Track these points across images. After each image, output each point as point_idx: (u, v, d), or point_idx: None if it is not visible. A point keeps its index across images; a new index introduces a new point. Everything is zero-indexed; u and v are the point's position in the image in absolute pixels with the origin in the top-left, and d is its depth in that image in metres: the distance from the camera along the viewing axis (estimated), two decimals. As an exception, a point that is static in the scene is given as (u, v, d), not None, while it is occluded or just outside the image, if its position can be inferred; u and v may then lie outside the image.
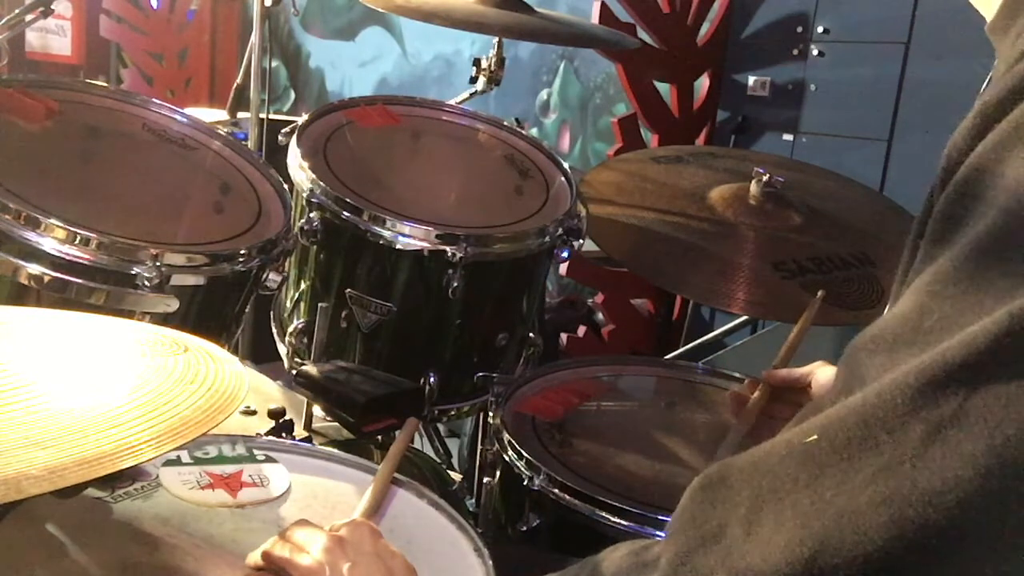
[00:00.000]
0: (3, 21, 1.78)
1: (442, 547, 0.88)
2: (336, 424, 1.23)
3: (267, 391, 1.37)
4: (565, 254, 1.51)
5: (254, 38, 2.18)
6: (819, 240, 1.65)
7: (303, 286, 1.55)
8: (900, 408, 0.49)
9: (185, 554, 0.80)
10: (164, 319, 1.16)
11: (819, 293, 1.41)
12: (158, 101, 1.48)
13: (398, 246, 1.40)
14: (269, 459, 0.97)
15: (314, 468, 0.99)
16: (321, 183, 1.42)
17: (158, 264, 1.15)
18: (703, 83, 3.01)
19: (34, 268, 1.12)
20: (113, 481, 0.87)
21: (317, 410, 1.24)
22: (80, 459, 0.56)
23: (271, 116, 2.22)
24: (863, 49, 2.63)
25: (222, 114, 2.77)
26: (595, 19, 2.64)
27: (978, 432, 0.46)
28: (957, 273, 0.51)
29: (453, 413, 1.60)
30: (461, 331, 1.50)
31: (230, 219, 1.34)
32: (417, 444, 1.70)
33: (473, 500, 1.39)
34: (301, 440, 1.12)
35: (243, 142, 1.62)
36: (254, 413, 1.25)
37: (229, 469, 0.94)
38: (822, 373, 1.16)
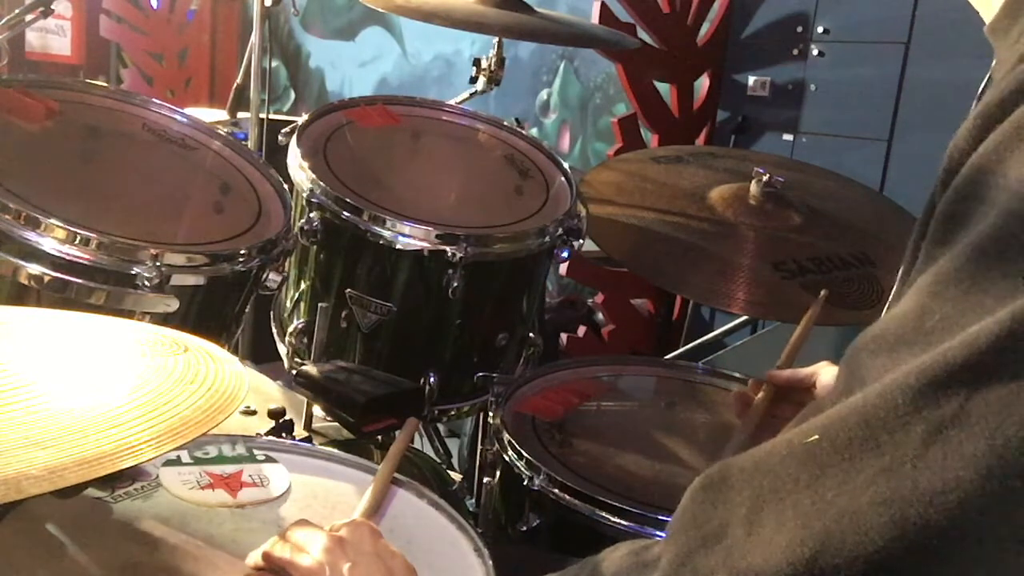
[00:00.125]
0: (3, 21, 1.78)
1: (442, 547, 0.88)
2: (336, 424, 1.23)
3: (267, 391, 1.37)
4: (565, 254, 1.51)
5: (254, 38, 2.18)
6: (819, 240, 1.65)
7: (303, 286, 1.55)
8: (901, 408, 0.49)
9: (185, 554, 0.80)
10: (164, 319, 1.16)
11: (822, 293, 1.41)
12: (158, 101, 1.48)
13: (398, 246, 1.40)
14: (269, 459, 0.97)
15: (314, 468, 0.99)
16: (321, 183, 1.42)
17: (158, 264, 1.15)
18: (703, 83, 3.01)
19: (34, 268, 1.12)
20: (113, 481, 0.87)
21: (317, 410, 1.23)
22: (80, 459, 0.56)
23: (271, 116, 2.22)
24: (863, 49, 2.63)
25: (222, 114, 2.76)
26: (595, 19, 2.64)
27: (979, 432, 0.46)
28: (958, 273, 0.51)
29: (453, 413, 1.60)
30: (461, 331, 1.50)
31: (230, 219, 1.34)
32: (417, 444, 1.70)
33: (473, 500, 1.39)
34: (301, 440, 1.12)
35: (243, 142, 1.62)
36: (254, 413, 1.25)
37: (229, 469, 0.94)
38: (826, 373, 1.16)
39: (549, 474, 1.15)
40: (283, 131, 1.55)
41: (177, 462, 0.93)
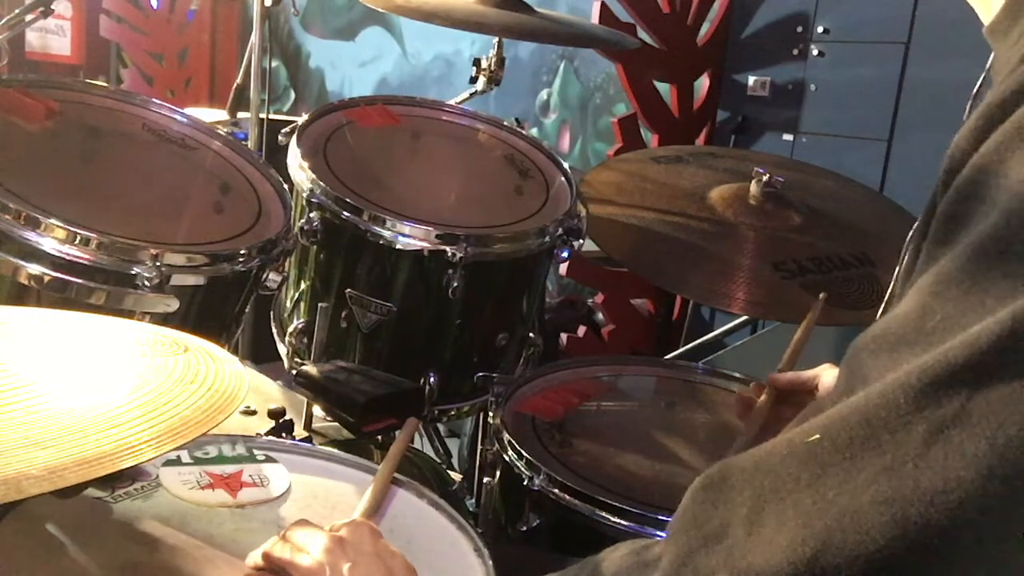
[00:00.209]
0: (3, 21, 1.78)
1: (442, 547, 0.88)
2: (336, 424, 1.23)
3: (267, 391, 1.37)
4: (565, 254, 1.51)
5: (254, 38, 2.18)
6: (819, 240, 1.65)
7: (303, 286, 1.55)
8: (903, 408, 0.49)
9: (185, 554, 0.80)
10: (164, 319, 1.16)
11: (821, 296, 1.41)
12: (158, 101, 1.48)
13: (398, 246, 1.40)
14: (269, 459, 0.97)
15: (314, 468, 0.99)
16: (321, 183, 1.41)
17: (158, 264, 1.15)
18: (703, 83, 3.01)
19: (34, 268, 1.12)
20: (113, 481, 0.87)
21: (317, 410, 1.23)
22: (80, 459, 0.56)
23: (271, 116, 2.21)
24: (863, 49, 2.63)
25: (222, 114, 2.76)
26: (595, 19, 2.64)
27: (980, 432, 0.46)
28: (959, 273, 0.51)
29: (453, 413, 1.60)
30: (461, 331, 1.50)
31: (230, 219, 1.34)
32: (417, 444, 1.70)
33: (473, 500, 1.39)
34: (301, 440, 1.12)
35: (243, 142, 1.62)
36: (254, 413, 1.25)
37: (229, 469, 0.94)
38: (828, 375, 1.15)
39: (549, 474, 1.15)
40: (283, 131, 1.55)
41: (177, 462, 0.93)
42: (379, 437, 1.27)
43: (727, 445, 1.33)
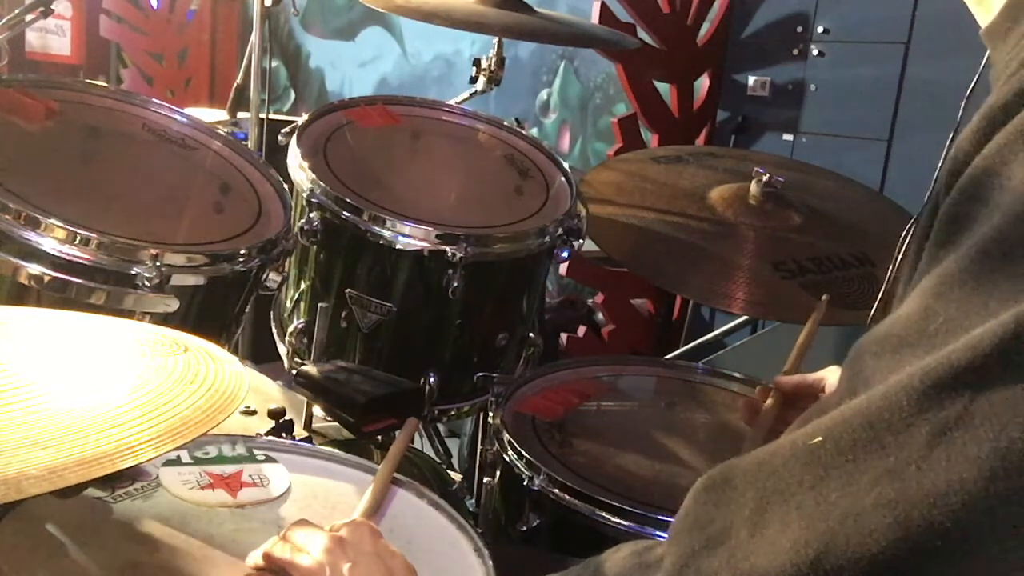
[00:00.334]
0: (3, 21, 1.78)
1: (442, 547, 0.88)
2: (336, 424, 1.23)
3: (267, 391, 1.37)
4: (565, 254, 1.51)
5: (254, 38, 2.18)
6: (819, 240, 1.65)
7: (303, 286, 1.55)
8: (905, 410, 0.49)
9: (185, 554, 0.80)
10: (164, 319, 1.15)
11: (824, 298, 1.41)
12: (158, 101, 1.48)
13: (398, 246, 1.40)
14: (269, 459, 0.97)
15: (314, 468, 0.99)
16: (321, 183, 1.41)
17: (158, 264, 1.15)
18: (703, 83, 3.01)
19: (34, 268, 1.12)
20: (113, 481, 0.87)
21: (317, 410, 1.23)
22: (80, 459, 0.56)
23: (271, 116, 2.21)
24: (863, 49, 2.63)
25: (222, 114, 2.76)
26: (595, 19, 2.64)
27: (983, 435, 0.46)
28: (962, 276, 0.51)
29: (453, 413, 1.60)
30: (461, 331, 1.50)
31: (230, 219, 1.34)
32: (417, 444, 1.70)
33: (473, 500, 1.39)
34: (301, 440, 1.12)
35: (243, 142, 1.62)
36: (254, 413, 1.25)
37: (229, 469, 0.94)
38: (834, 378, 1.14)
39: (549, 474, 1.15)
40: (283, 131, 1.55)
41: (177, 462, 0.93)
42: (379, 437, 1.27)
43: (727, 445, 1.33)
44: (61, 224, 1.11)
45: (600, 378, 1.52)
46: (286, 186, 1.43)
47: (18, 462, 0.55)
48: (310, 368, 1.24)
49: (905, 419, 0.49)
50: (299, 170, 1.45)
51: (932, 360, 0.49)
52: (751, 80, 2.87)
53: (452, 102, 1.79)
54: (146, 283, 1.14)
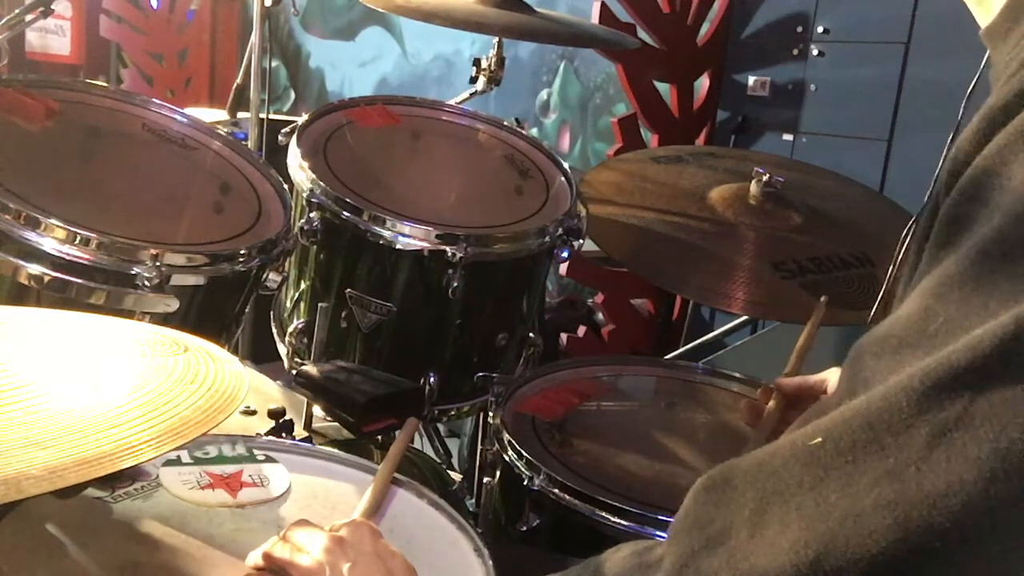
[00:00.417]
0: (3, 21, 1.78)
1: (442, 547, 0.88)
2: (336, 424, 1.23)
3: (267, 391, 1.37)
4: (565, 254, 1.51)
5: (254, 38, 2.18)
6: (819, 240, 1.65)
7: (303, 286, 1.55)
8: (905, 411, 0.49)
9: (185, 554, 0.80)
10: (164, 319, 1.15)
11: (823, 299, 1.40)
12: (158, 101, 1.48)
13: (398, 246, 1.40)
14: (269, 459, 0.97)
15: (314, 468, 0.99)
16: (321, 183, 1.41)
17: (158, 264, 1.15)
18: (703, 83, 3.01)
19: (34, 268, 1.12)
20: (113, 481, 0.87)
21: (317, 410, 1.23)
22: (80, 459, 0.56)
23: (271, 116, 2.21)
24: (863, 49, 2.63)
25: (222, 114, 2.76)
26: (595, 19, 2.64)
27: (983, 436, 0.46)
28: (962, 276, 0.51)
29: (453, 413, 1.60)
30: (461, 331, 1.50)
31: (230, 219, 1.34)
32: (417, 444, 1.70)
33: (473, 500, 1.39)
34: (301, 440, 1.12)
35: (243, 142, 1.62)
36: (254, 413, 1.25)
37: (229, 469, 0.94)
38: (836, 379, 1.15)
39: (549, 474, 1.15)
40: (283, 131, 1.55)
41: (177, 462, 0.93)
42: (379, 437, 1.27)
43: (727, 445, 1.33)
44: (61, 224, 1.11)
45: (600, 378, 1.52)
46: (286, 186, 1.43)
47: (18, 462, 0.55)
48: (310, 368, 1.24)
49: (905, 420, 0.49)
50: (299, 170, 1.45)
51: (932, 361, 0.49)
52: (751, 80, 2.87)
53: (452, 102, 1.79)
54: (146, 283, 1.14)
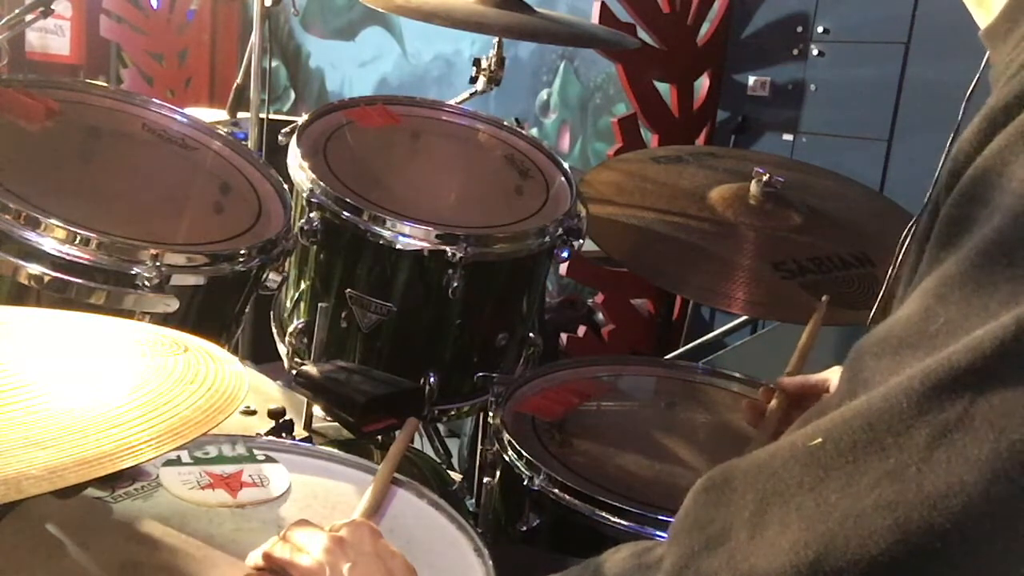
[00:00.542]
0: (3, 21, 1.78)
1: (442, 547, 0.88)
2: (336, 424, 1.23)
3: (267, 391, 1.37)
4: (565, 254, 1.51)
5: (254, 38, 2.18)
6: (819, 240, 1.65)
7: (303, 286, 1.55)
8: (906, 412, 0.49)
9: (185, 554, 0.80)
10: (164, 319, 1.15)
11: (824, 298, 1.40)
12: (158, 101, 1.48)
13: (398, 246, 1.40)
14: (269, 459, 0.97)
15: (314, 468, 0.99)
16: (321, 183, 1.41)
17: (158, 264, 1.15)
18: (703, 83, 3.01)
19: (34, 268, 1.12)
20: (113, 481, 0.87)
21: (317, 410, 1.23)
22: (80, 459, 0.56)
23: (271, 116, 2.21)
24: (863, 49, 2.63)
25: (222, 114, 2.76)
26: (595, 19, 2.64)
27: (984, 436, 0.46)
28: (963, 277, 0.51)
29: (453, 413, 1.60)
30: (461, 331, 1.50)
31: (230, 219, 1.34)
32: (417, 444, 1.70)
33: (473, 500, 1.39)
34: (301, 440, 1.12)
35: (243, 142, 1.62)
36: (254, 413, 1.25)
37: (229, 469, 0.94)
38: (838, 378, 1.14)
39: (549, 474, 1.15)
40: (283, 131, 1.55)
41: (177, 462, 0.93)
42: (379, 437, 1.27)
43: (727, 445, 1.33)
44: (61, 224, 1.11)
45: (600, 378, 1.52)
46: (286, 186, 1.43)
47: (18, 462, 0.55)
48: (310, 368, 1.24)
49: (905, 421, 0.49)
50: (299, 170, 1.45)
51: (932, 362, 0.49)
52: (751, 80, 2.87)
53: (452, 102, 1.79)
54: (146, 283, 1.14)
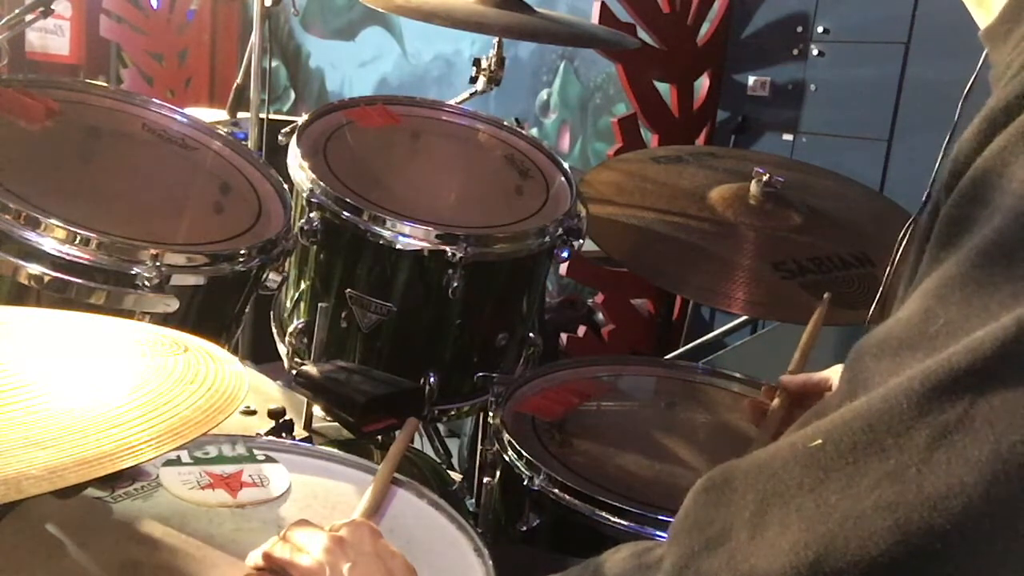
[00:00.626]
0: (3, 21, 1.78)
1: (442, 547, 0.88)
2: (336, 424, 1.23)
3: (267, 391, 1.37)
4: (565, 254, 1.51)
5: (254, 38, 2.18)
6: (819, 240, 1.65)
7: (303, 286, 1.55)
8: (906, 413, 0.49)
9: (185, 554, 0.80)
10: (164, 319, 1.15)
11: (826, 296, 1.40)
12: (158, 101, 1.48)
13: (398, 246, 1.40)
14: (269, 459, 0.97)
15: (314, 468, 0.99)
16: (321, 183, 1.41)
17: (158, 264, 1.15)
18: (703, 83, 3.01)
19: (34, 268, 1.12)
20: (113, 481, 0.87)
21: (317, 410, 1.23)
22: (80, 459, 0.56)
23: (271, 116, 2.21)
24: (863, 49, 2.63)
25: (222, 114, 2.76)
26: (595, 19, 2.64)
27: (984, 438, 0.46)
28: (963, 278, 0.51)
29: (453, 413, 1.60)
30: (461, 331, 1.50)
31: (230, 219, 1.34)
32: (417, 444, 1.70)
33: (473, 500, 1.39)
34: (301, 440, 1.12)
35: (243, 142, 1.62)
36: (254, 413, 1.25)
37: (229, 469, 0.94)
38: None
39: (549, 474, 1.15)
40: (283, 131, 1.55)
41: (177, 462, 0.93)
42: (379, 437, 1.27)
43: (727, 445, 1.33)
44: (61, 224, 1.11)
45: (600, 378, 1.52)
46: (286, 186, 1.43)
47: (18, 462, 0.55)
48: (310, 368, 1.24)
49: (905, 422, 0.49)
50: (299, 170, 1.45)
51: (932, 362, 0.49)
52: (751, 80, 2.87)
53: (452, 102, 1.79)
54: (146, 283, 1.14)
